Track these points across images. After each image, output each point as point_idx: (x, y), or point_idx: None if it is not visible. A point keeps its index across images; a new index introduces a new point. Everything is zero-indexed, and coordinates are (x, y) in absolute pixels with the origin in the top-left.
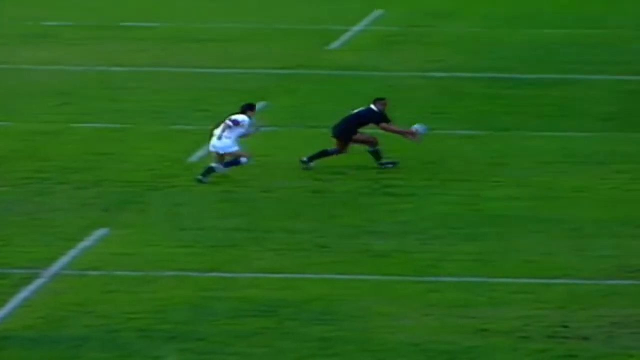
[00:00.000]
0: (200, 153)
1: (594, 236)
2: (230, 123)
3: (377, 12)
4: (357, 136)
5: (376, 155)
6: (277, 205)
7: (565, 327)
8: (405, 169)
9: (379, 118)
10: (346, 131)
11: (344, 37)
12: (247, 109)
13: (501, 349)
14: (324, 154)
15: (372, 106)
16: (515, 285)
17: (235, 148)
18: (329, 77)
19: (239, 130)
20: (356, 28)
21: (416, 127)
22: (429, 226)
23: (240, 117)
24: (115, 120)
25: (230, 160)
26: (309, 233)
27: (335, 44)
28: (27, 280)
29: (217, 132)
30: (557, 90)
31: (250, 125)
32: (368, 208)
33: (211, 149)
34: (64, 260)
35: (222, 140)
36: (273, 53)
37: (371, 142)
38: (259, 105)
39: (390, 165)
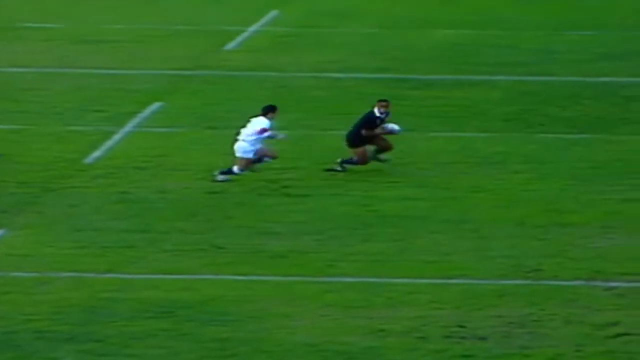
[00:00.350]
0: (96, 154)
1: (491, 237)
2: (258, 133)
3: (273, 13)
4: (366, 133)
5: (376, 159)
6: (173, 206)
7: (462, 327)
8: (303, 169)
9: (366, 124)
10: (351, 137)
11: (240, 38)
12: (268, 110)
13: (398, 350)
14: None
15: (375, 109)
16: (412, 286)
17: (251, 155)
18: (225, 77)
19: (265, 135)
20: (252, 29)
21: (391, 126)
22: (326, 227)
23: (264, 124)
24: (16, 122)
25: (256, 159)
26: (206, 234)
27: (231, 45)
28: None
29: (240, 136)
30: (457, 91)
31: (273, 127)
32: (265, 209)
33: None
34: None
35: (241, 143)
36: (170, 54)
37: (384, 147)
38: (154, 106)
39: (340, 169)
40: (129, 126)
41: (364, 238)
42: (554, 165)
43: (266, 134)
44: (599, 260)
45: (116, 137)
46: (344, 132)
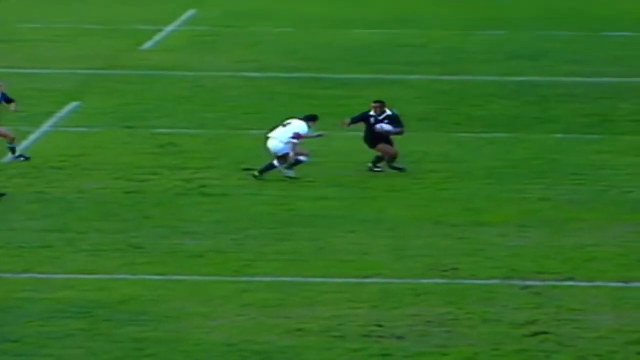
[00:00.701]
0: (10, 155)
1: (408, 236)
2: (294, 137)
3: (190, 12)
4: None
5: (379, 160)
6: (91, 205)
7: (380, 326)
8: (220, 169)
9: (358, 119)
10: (367, 138)
11: (157, 37)
12: (311, 119)
13: (315, 349)
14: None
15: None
16: (330, 285)
17: (287, 149)
18: (142, 77)
19: (297, 140)
20: (169, 28)
21: (385, 127)
22: (243, 226)
23: (302, 129)
24: None
25: (292, 161)
26: (123, 233)
27: (148, 44)
28: None
29: (272, 134)
30: (372, 91)
31: (308, 133)
32: (182, 208)
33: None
34: None
35: (275, 142)
36: (86, 53)
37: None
38: (71, 105)
39: (379, 170)
40: (45, 126)
41: (280, 237)
42: (470, 165)
43: (299, 140)
44: (515, 258)
45: (32, 136)
46: (261, 132)
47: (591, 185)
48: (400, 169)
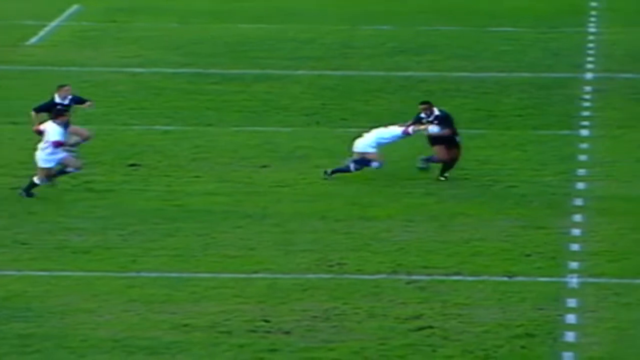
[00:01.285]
0: None
1: (295, 231)
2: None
3: (75, 8)
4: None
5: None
6: None
7: (267, 321)
8: (105, 164)
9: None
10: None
11: (42, 33)
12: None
13: (202, 344)
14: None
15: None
16: (216, 280)
17: (371, 150)
18: (27, 72)
19: (392, 137)
20: (54, 23)
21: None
22: (129, 222)
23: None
24: None
25: (363, 160)
26: (8, 229)
27: (32, 40)
28: None
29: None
30: (259, 86)
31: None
32: (68, 204)
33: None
34: None
35: (361, 141)
36: None
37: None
38: None
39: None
40: None
41: (167, 233)
42: None
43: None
44: (401, 253)
45: None
46: (145, 128)
47: (476, 180)
48: (425, 169)
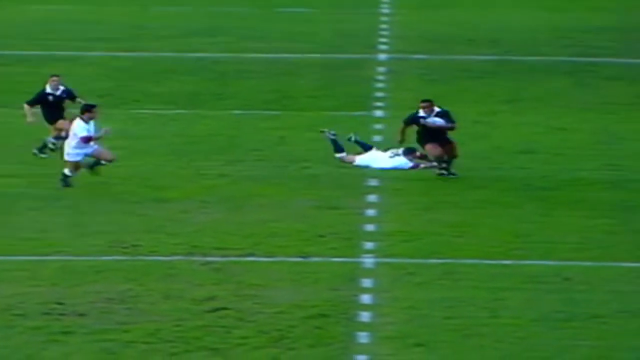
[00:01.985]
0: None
1: (89, 213)
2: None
3: None
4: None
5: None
6: None
7: (61, 304)
8: None
9: (408, 121)
10: (422, 139)
11: None
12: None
13: None
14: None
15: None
16: (10, 263)
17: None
18: None
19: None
20: None
21: (437, 121)
22: None
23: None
24: None
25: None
26: None
27: None
28: None
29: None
30: (50, 68)
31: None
32: None
33: None
34: None
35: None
36: None
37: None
38: None
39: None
40: None
41: None
42: (150, 141)
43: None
44: (197, 235)
45: None
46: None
47: (271, 162)
48: (448, 174)
